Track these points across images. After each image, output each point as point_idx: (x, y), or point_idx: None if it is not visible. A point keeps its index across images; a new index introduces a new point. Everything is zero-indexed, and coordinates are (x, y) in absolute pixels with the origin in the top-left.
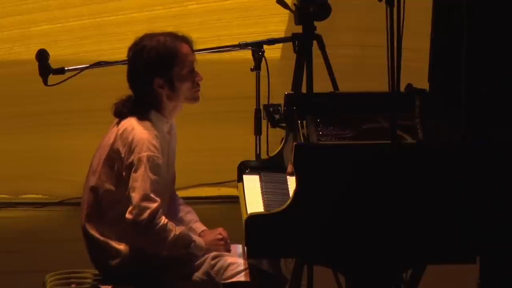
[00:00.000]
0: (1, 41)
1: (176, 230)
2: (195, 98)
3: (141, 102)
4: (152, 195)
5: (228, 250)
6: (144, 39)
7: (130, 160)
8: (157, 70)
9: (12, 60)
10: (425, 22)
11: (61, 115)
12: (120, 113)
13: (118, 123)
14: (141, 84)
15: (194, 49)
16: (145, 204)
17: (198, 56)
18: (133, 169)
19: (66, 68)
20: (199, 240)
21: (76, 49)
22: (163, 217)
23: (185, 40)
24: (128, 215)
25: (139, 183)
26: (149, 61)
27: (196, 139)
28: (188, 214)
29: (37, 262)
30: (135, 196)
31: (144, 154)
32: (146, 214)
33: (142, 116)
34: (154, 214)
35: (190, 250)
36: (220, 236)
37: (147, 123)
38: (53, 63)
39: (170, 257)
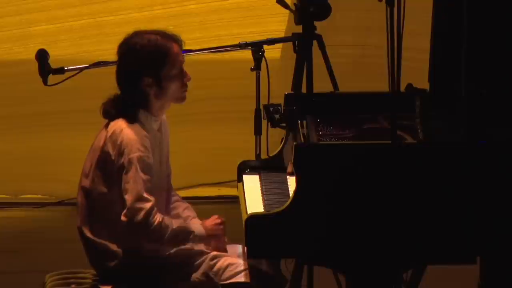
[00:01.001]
0: (1, 41)
1: (173, 224)
2: (182, 98)
3: (129, 101)
4: (145, 195)
5: (224, 234)
6: (134, 36)
7: (120, 163)
8: (146, 69)
9: (11, 60)
10: (425, 22)
11: (61, 115)
12: (108, 113)
13: (107, 125)
14: (129, 82)
15: (183, 49)
16: (138, 205)
17: (198, 56)
18: (124, 171)
19: (65, 68)
20: (198, 228)
21: (75, 49)
22: (158, 215)
23: (176, 40)
24: (123, 218)
25: (131, 184)
26: (139, 59)
27: (196, 139)
28: (186, 210)
29: (36, 262)
30: (128, 198)
31: (134, 155)
32: (140, 215)
33: (130, 117)
34: (148, 214)
35: (191, 241)
36: (218, 221)
37: (136, 124)
38: (53, 63)
39: (169, 258)
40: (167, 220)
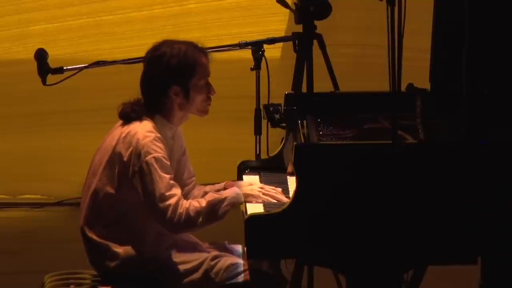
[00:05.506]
0: (0, 40)
1: (201, 203)
2: (204, 111)
3: (150, 108)
4: (167, 194)
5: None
6: (163, 45)
7: (137, 165)
8: (176, 78)
9: (10, 59)
10: (426, 21)
11: (60, 115)
12: (127, 116)
13: (122, 125)
14: (157, 89)
15: (210, 62)
16: (163, 204)
17: None
18: (144, 175)
19: (64, 68)
20: (229, 192)
21: (74, 49)
22: (184, 203)
23: (204, 52)
24: (158, 221)
25: (153, 186)
26: (169, 68)
27: (196, 139)
28: (205, 187)
29: (35, 263)
30: (152, 201)
31: (151, 157)
32: (169, 213)
33: (146, 120)
34: (175, 209)
35: (228, 207)
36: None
37: (150, 127)
38: (52, 62)
39: (169, 258)
40: (194, 202)
